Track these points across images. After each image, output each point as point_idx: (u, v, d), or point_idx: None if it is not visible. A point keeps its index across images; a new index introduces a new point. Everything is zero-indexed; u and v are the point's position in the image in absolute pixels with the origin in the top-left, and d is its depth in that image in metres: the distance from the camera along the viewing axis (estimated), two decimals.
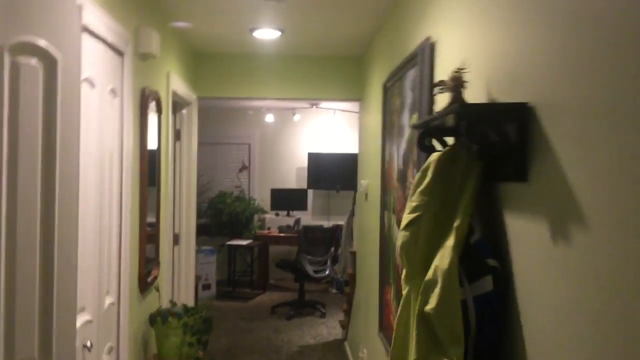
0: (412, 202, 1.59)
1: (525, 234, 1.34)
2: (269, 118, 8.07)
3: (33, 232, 1.60)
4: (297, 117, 8.07)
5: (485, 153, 1.47)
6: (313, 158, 7.98)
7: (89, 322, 2.27)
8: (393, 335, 1.62)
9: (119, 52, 2.59)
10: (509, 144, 1.38)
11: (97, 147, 2.37)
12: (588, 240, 1.05)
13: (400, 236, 1.59)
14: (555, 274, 1.18)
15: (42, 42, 1.61)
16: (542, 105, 1.25)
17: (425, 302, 1.45)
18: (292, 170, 8.30)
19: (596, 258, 1.02)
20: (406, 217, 1.58)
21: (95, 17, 2.22)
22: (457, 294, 1.40)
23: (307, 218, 8.00)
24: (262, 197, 8.09)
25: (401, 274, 1.67)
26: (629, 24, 0.93)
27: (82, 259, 2.16)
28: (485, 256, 1.43)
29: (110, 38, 2.40)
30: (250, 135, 8.28)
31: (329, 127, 8.19)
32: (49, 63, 1.64)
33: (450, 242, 1.44)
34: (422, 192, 1.56)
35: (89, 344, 2.17)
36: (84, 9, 1.92)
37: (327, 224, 7.68)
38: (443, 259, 1.44)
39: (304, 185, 8.10)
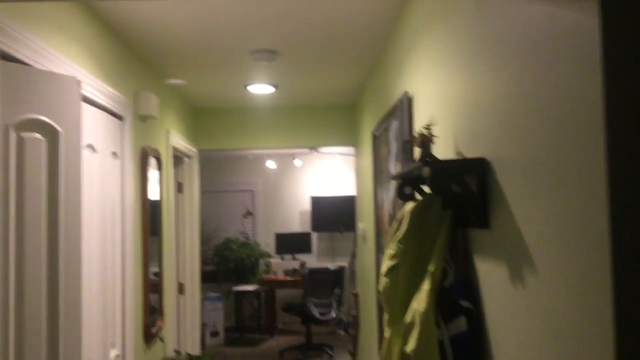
0: (390, 250, 1.70)
1: (490, 276, 1.45)
2: (271, 164, 8.25)
3: (39, 295, 1.73)
4: (298, 162, 8.25)
5: (453, 203, 1.60)
6: (316, 201, 8.12)
7: None
8: None
9: (119, 117, 2.76)
10: (471, 194, 1.50)
11: (100, 206, 2.51)
12: (537, 282, 1.16)
13: (381, 282, 1.70)
14: (516, 313, 1.28)
15: (44, 118, 1.77)
16: (497, 160, 1.38)
17: (405, 343, 1.55)
18: (296, 214, 8.42)
19: (541, 297, 1.13)
20: (386, 264, 1.70)
21: (94, 88, 2.39)
22: (434, 335, 1.50)
23: (312, 260, 8.07)
24: (267, 242, 8.19)
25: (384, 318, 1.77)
26: (572, 86, 1.07)
27: (87, 313, 2.27)
28: (458, 298, 1.53)
29: (109, 105, 2.58)
30: (253, 182, 8.44)
31: (330, 171, 8.35)
32: (51, 135, 1.80)
33: (426, 286, 1.55)
34: (400, 240, 1.68)
35: None
36: (83, 83, 2.10)
37: (332, 265, 7.74)
38: (420, 302, 1.54)
39: (307, 228, 8.20)
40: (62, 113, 1.83)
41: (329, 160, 8.28)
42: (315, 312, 6.57)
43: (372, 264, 3.56)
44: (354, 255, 5.50)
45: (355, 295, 5.04)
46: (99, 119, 2.50)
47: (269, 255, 8.07)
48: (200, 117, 4.79)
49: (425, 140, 1.65)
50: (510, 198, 1.30)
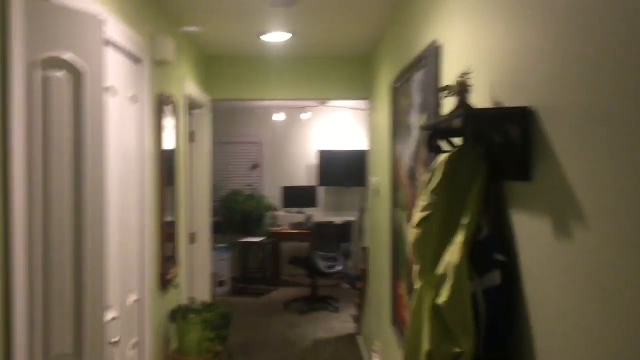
0: (422, 201, 1.67)
1: (529, 230, 1.42)
2: (279, 117, 8.17)
3: (66, 234, 1.71)
4: (306, 116, 8.16)
5: (491, 154, 1.56)
6: (323, 155, 8.07)
7: (115, 319, 2.38)
8: (408, 328, 1.71)
9: (138, 60, 2.69)
10: (513, 145, 1.46)
11: (119, 151, 2.47)
12: (587, 236, 1.13)
13: (412, 233, 1.68)
14: (557, 267, 1.26)
15: (69, 56, 1.71)
16: (543, 108, 1.33)
17: (437, 295, 1.53)
18: (303, 168, 8.39)
19: (595, 253, 1.10)
20: (418, 215, 1.67)
21: (115, 29, 2.32)
22: (468, 287, 1.48)
23: (318, 215, 8.09)
24: (273, 195, 8.19)
25: (412, 269, 1.76)
26: (625, 31, 1.01)
27: (108, 258, 2.27)
28: (493, 252, 1.51)
29: (129, 47, 2.51)
30: (261, 134, 8.38)
31: (338, 125, 8.27)
32: (76, 75, 1.75)
33: (460, 238, 1.53)
34: (433, 191, 1.65)
35: (115, 340, 2.28)
36: (105, 23, 2.02)
37: (338, 220, 7.77)
38: (453, 254, 1.52)
39: (314, 182, 8.19)
40: (86, 52, 1.77)
41: (338, 114, 8.19)
42: (322, 265, 6.63)
43: (386, 218, 3.55)
44: (363, 210, 5.50)
45: (365, 250, 5.07)
46: (118, 60, 2.44)
47: (275, 208, 8.09)
48: (213, 65, 4.69)
49: (464, 89, 1.59)
50: (558, 149, 1.26)
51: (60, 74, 1.69)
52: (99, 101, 1.82)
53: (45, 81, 1.65)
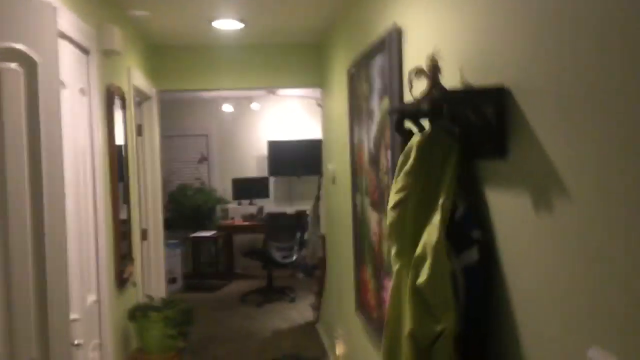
0: (397, 184, 1.67)
1: (505, 206, 1.45)
2: (227, 108, 8.03)
3: (24, 234, 1.62)
4: (255, 106, 8.07)
5: (465, 133, 1.57)
6: (273, 146, 8.02)
7: (75, 320, 2.28)
8: (387, 311, 1.72)
9: (86, 51, 2.57)
10: (487, 124, 1.48)
11: (70, 146, 2.35)
12: (568, 207, 1.15)
13: (388, 216, 1.68)
14: (536, 240, 1.29)
15: (21, 47, 1.61)
16: (518, 86, 1.35)
17: (416, 275, 1.54)
18: (253, 159, 8.31)
19: (577, 222, 1.13)
20: (392, 198, 1.67)
21: (63, 17, 2.19)
22: (446, 266, 1.50)
23: (269, 205, 8.04)
24: (223, 187, 8.08)
25: (381, 251, 1.76)
26: (600, 3, 1.03)
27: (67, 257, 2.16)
28: (469, 230, 1.53)
29: (77, 37, 2.38)
30: (208, 126, 8.23)
31: (288, 114, 8.22)
32: (29, 66, 1.64)
33: (436, 218, 1.54)
34: (407, 174, 1.65)
35: (79, 342, 2.18)
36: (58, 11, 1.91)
37: (290, 210, 7.75)
38: (431, 234, 1.53)
39: (264, 173, 8.12)
40: (39, 42, 1.66)
41: (287, 103, 8.14)
42: (277, 256, 6.61)
43: (346, 204, 3.56)
44: (318, 198, 5.50)
45: (322, 237, 5.07)
46: (66, 51, 2.31)
47: (226, 201, 7.98)
48: (161, 55, 4.54)
49: (436, 71, 1.60)
50: (535, 125, 1.28)
51: (13, 65, 1.58)
52: (54, 93, 1.72)
53: None
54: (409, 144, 1.71)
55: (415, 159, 1.64)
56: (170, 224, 7.46)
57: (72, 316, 2.24)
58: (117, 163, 3.08)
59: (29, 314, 1.62)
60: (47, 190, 1.67)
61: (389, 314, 1.70)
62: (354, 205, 3.28)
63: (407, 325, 1.58)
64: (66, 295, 1.81)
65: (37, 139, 1.65)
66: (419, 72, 1.69)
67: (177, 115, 7.95)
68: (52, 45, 1.73)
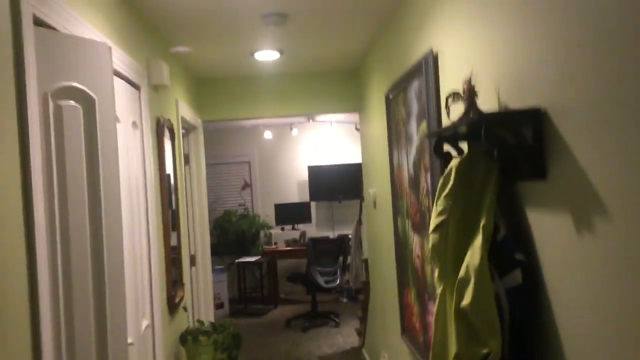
0: (438, 207, 1.70)
1: (547, 228, 1.46)
2: (267, 135, 8.20)
3: (85, 263, 1.71)
4: (294, 132, 8.20)
5: (504, 155, 1.59)
6: (313, 171, 8.11)
7: (130, 344, 2.37)
8: (432, 334, 1.73)
9: (136, 86, 2.71)
10: (526, 145, 1.50)
11: (125, 177, 2.48)
12: (609, 228, 1.16)
13: (430, 238, 1.71)
14: (579, 261, 1.29)
15: (79, 85, 1.73)
16: (554, 108, 1.38)
17: (460, 298, 1.56)
18: (294, 185, 8.41)
19: (618, 243, 1.13)
20: (434, 221, 1.70)
21: (115, 56, 2.33)
22: (490, 288, 1.51)
23: (312, 230, 8.10)
24: (266, 213, 8.19)
25: (423, 274, 1.79)
26: (634, 24, 1.06)
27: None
28: (512, 251, 1.54)
29: (129, 74, 2.52)
30: (250, 153, 8.40)
31: (327, 139, 8.32)
32: (87, 103, 1.76)
33: (478, 241, 1.56)
34: (447, 197, 1.68)
35: None
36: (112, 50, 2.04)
37: (332, 234, 7.79)
38: (474, 257, 1.55)
39: (306, 198, 8.21)
40: (96, 80, 1.78)
41: (325, 128, 8.24)
42: (321, 280, 6.63)
43: (388, 227, 3.58)
44: (360, 222, 5.52)
45: (365, 261, 5.08)
46: (119, 87, 2.45)
47: (269, 226, 8.08)
48: (204, 87, 4.72)
49: (472, 94, 1.64)
50: (573, 146, 1.30)
51: (72, 103, 1.70)
52: (111, 127, 1.84)
53: (58, 110, 1.66)
54: (449, 167, 1.74)
55: (455, 182, 1.67)
56: (216, 250, 7.61)
57: (128, 341, 2.34)
58: (167, 191, 3.21)
59: (89, 340, 1.71)
60: (105, 221, 1.77)
61: (434, 336, 1.72)
62: (395, 228, 3.30)
63: (452, 348, 1.59)
64: (124, 321, 1.89)
65: (96, 171, 1.76)
66: (455, 95, 1.73)
67: (220, 143, 8.16)
68: (108, 83, 1.85)
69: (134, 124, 2.64)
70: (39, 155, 1.55)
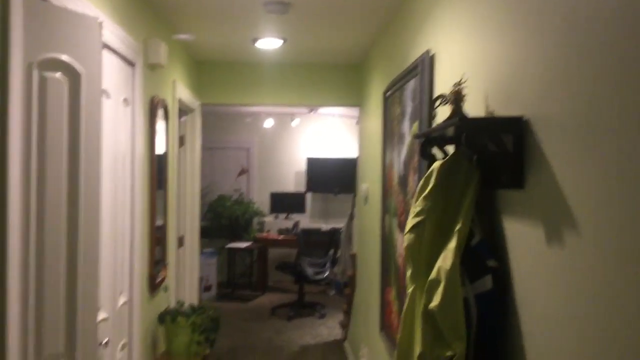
0: (415, 207, 1.70)
1: (521, 237, 1.45)
2: (268, 123, 8.19)
3: (59, 234, 1.71)
4: (295, 122, 8.19)
5: (484, 162, 1.59)
6: (311, 162, 8.11)
7: (105, 319, 2.38)
8: (399, 331, 1.74)
9: (131, 63, 2.70)
10: (506, 154, 1.49)
11: (111, 153, 2.48)
12: (578, 242, 1.16)
13: (405, 238, 1.70)
14: (549, 272, 1.29)
15: (66, 58, 1.72)
16: (536, 117, 1.37)
17: (429, 299, 1.56)
18: (291, 174, 8.41)
19: (586, 258, 1.13)
20: (410, 221, 1.70)
21: (110, 31, 2.33)
22: (459, 292, 1.51)
23: (305, 221, 8.11)
24: (261, 201, 8.20)
25: (405, 273, 1.79)
26: (618, 40, 1.05)
27: (100, 259, 2.26)
28: (485, 257, 1.54)
29: (123, 51, 2.51)
30: (249, 140, 8.39)
31: (327, 132, 8.31)
32: (73, 77, 1.75)
33: (452, 244, 1.55)
34: (425, 198, 1.68)
35: (105, 340, 2.27)
36: (103, 25, 2.03)
37: (325, 226, 7.79)
38: (446, 259, 1.55)
39: (302, 188, 8.21)
40: (84, 54, 1.77)
41: (327, 121, 8.23)
42: (309, 271, 6.64)
43: (376, 224, 3.58)
44: (352, 217, 5.52)
45: (353, 256, 5.09)
46: (112, 63, 2.44)
47: (262, 214, 8.09)
48: (205, 70, 4.70)
49: (458, 98, 1.63)
50: (551, 157, 1.29)
51: (57, 75, 1.69)
52: (95, 103, 1.83)
53: (43, 82, 1.65)
54: (431, 168, 1.73)
55: (435, 184, 1.67)
56: (208, 233, 7.62)
57: (102, 315, 2.35)
58: (157, 171, 3.20)
59: (58, 310, 1.71)
60: (83, 193, 1.77)
61: (401, 335, 1.72)
62: (383, 226, 3.29)
63: (417, 348, 1.59)
64: (95, 294, 1.90)
65: (77, 144, 1.75)
66: (443, 98, 1.72)
67: (221, 128, 8.15)
68: (96, 58, 1.84)
69: (125, 100, 2.63)
70: (18, 125, 1.54)
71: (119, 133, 2.57)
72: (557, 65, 1.26)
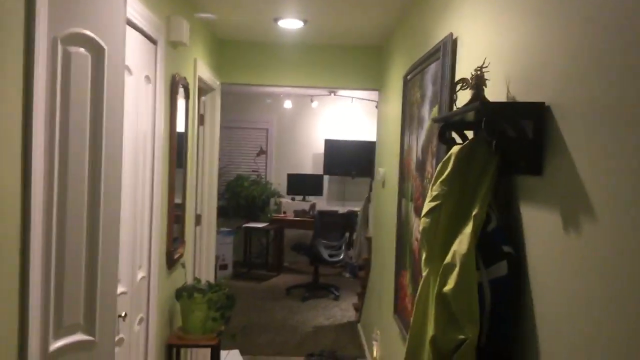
0: (433, 191, 1.70)
1: (538, 223, 1.45)
2: (287, 104, 8.18)
3: (81, 207, 1.75)
4: (314, 104, 8.17)
5: (503, 147, 1.58)
6: (329, 144, 8.10)
7: (123, 293, 2.42)
8: (412, 314, 1.75)
9: (153, 41, 2.71)
10: (526, 140, 1.48)
11: (132, 130, 2.50)
12: (595, 231, 1.15)
13: (421, 222, 1.71)
14: (565, 260, 1.29)
15: (90, 33, 1.74)
16: (558, 104, 1.36)
17: (443, 283, 1.56)
18: (309, 156, 8.42)
19: (602, 247, 1.13)
20: (427, 205, 1.70)
21: (133, 8, 2.34)
22: (474, 276, 1.51)
23: (322, 203, 8.13)
24: (278, 182, 8.24)
25: (420, 257, 1.79)
26: (637, 30, 1.03)
27: (120, 234, 2.30)
28: (500, 243, 1.54)
29: (146, 27, 2.53)
30: (268, 121, 8.40)
31: (346, 115, 8.29)
32: (97, 52, 1.77)
33: (468, 229, 1.55)
34: (443, 182, 1.68)
35: (123, 313, 2.32)
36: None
37: (342, 209, 7.81)
38: (462, 244, 1.55)
39: (320, 171, 8.22)
40: (108, 30, 1.79)
41: (346, 103, 8.20)
42: (325, 253, 6.68)
43: (392, 208, 3.58)
44: (368, 200, 5.53)
45: (369, 239, 5.11)
46: (134, 40, 2.46)
47: (280, 195, 8.13)
48: (226, 49, 4.71)
49: (480, 82, 1.61)
50: (571, 145, 1.28)
51: (81, 50, 1.71)
52: (118, 79, 1.85)
53: (67, 56, 1.67)
54: (449, 153, 1.73)
55: (453, 168, 1.66)
56: (226, 212, 7.70)
57: (121, 289, 2.40)
58: (177, 149, 3.24)
59: (79, 283, 1.75)
60: (105, 168, 1.80)
61: (415, 317, 1.73)
62: (399, 210, 3.30)
63: (430, 331, 1.60)
64: (115, 268, 1.94)
65: (99, 119, 1.78)
66: (464, 82, 1.71)
67: (240, 108, 8.18)
68: (120, 34, 1.86)
69: (147, 77, 2.65)
70: (42, 99, 1.57)
71: (140, 110, 2.59)
72: (582, 52, 1.24)
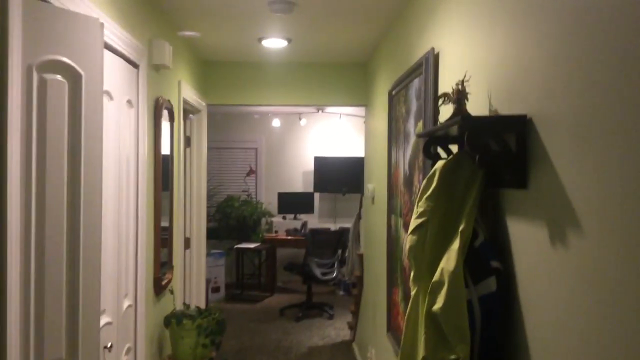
0: (418, 208, 1.67)
1: (525, 237, 1.43)
2: (276, 123, 8.18)
3: (60, 238, 1.70)
4: (303, 122, 8.17)
5: (487, 161, 1.56)
6: (319, 162, 8.08)
7: (109, 324, 2.37)
8: (402, 334, 1.71)
9: (135, 65, 2.69)
10: (509, 153, 1.46)
11: (115, 155, 2.47)
12: (582, 243, 1.13)
13: (408, 239, 1.68)
14: (552, 273, 1.27)
15: (66, 59, 1.71)
16: (539, 116, 1.34)
17: (432, 301, 1.53)
18: (299, 174, 8.40)
19: (589, 259, 1.11)
20: (413, 222, 1.67)
21: (113, 33, 2.32)
22: (463, 294, 1.48)
23: (313, 221, 8.09)
24: (269, 201, 8.19)
25: (409, 275, 1.76)
26: (621, 39, 1.02)
27: (102, 263, 2.26)
28: (488, 258, 1.52)
29: (126, 52, 2.51)
30: (257, 140, 8.38)
31: (335, 131, 8.28)
32: (73, 78, 1.74)
33: (455, 245, 1.53)
34: (428, 198, 1.65)
35: (109, 345, 2.26)
36: (104, 27, 2.02)
37: (333, 226, 7.77)
38: (449, 261, 1.52)
39: (310, 188, 8.19)
40: (84, 56, 1.77)
41: (334, 120, 8.20)
42: (317, 271, 6.62)
43: (382, 224, 3.55)
44: (359, 217, 5.50)
45: (360, 256, 5.06)
46: (115, 65, 2.43)
47: (271, 214, 8.08)
48: (211, 70, 4.70)
49: (461, 96, 1.60)
50: (554, 157, 1.26)
51: (57, 77, 1.68)
52: (97, 105, 1.82)
53: (42, 84, 1.64)
54: (433, 168, 1.71)
55: (438, 184, 1.64)
56: (217, 234, 7.63)
57: (106, 320, 2.34)
58: (162, 172, 3.20)
59: (59, 314, 1.70)
60: (84, 195, 1.76)
61: (405, 337, 1.70)
62: (389, 226, 3.27)
63: (420, 351, 1.57)
64: (97, 297, 1.89)
65: (77, 147, 1.75)
66: (446, 96, 1.69)
67: (228, 128, 8.16)
68: (97, 59, 1.83)
69: (128, 102, 2.62)
70: (17, 128, 1.53)
71: (122, 135, 2.56)
72: (561, 64, 1.23)
